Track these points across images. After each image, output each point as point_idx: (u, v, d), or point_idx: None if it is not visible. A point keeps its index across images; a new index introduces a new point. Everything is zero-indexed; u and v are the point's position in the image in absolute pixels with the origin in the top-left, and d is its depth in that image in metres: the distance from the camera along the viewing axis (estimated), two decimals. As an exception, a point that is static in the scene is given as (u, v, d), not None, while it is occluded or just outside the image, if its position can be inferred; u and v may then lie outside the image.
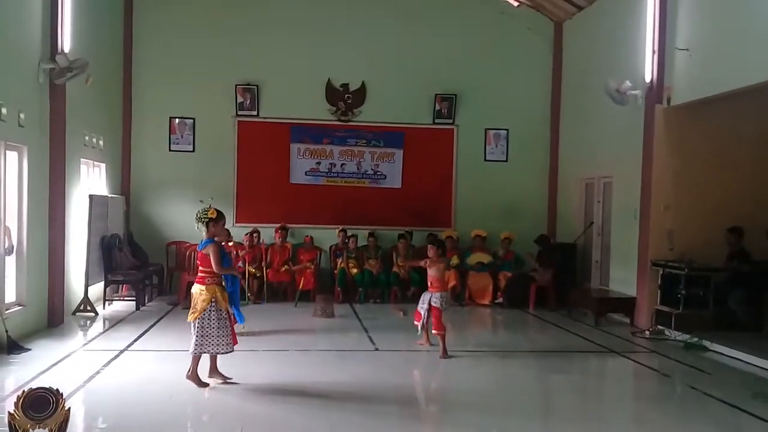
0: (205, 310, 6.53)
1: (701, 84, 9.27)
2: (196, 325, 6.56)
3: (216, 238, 6.68)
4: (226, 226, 12.15)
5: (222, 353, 6.67)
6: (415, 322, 8.49)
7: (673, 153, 10.04)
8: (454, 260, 11.87)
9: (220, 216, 6.74)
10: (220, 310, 6.59)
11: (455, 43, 13.53)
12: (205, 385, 6.63)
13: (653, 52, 10.02)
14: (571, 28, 13.44)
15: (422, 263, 8.61)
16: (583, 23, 12.94)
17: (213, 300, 6.54)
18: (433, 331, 8.19)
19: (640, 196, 10.34)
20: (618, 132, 11.23)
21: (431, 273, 8.29)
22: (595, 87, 11.29)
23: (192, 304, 6.63)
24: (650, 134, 10.12)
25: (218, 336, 6.58)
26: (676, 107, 9.88)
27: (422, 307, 8.32)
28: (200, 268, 6.68)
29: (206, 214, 6.64)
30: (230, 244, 12.13)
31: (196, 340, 6.57)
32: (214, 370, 6.76)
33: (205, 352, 6.63)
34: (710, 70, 9.09)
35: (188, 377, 6.64)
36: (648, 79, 10.10)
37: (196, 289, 6.63)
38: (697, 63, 9.35)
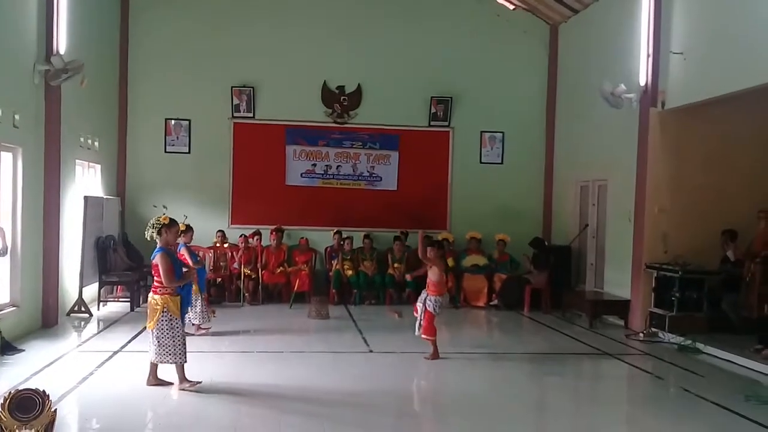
0: (159, 321, 6.52)
1: (696, 87, 9.30)
2: (154, 334, 6.56)
3: (169, 246, 6.72)
4: (221, 228, 12.37)
5: (180, 363, 6.60)
6: (414, 314, 8.39)
7: (668, 156, 10.08)
8: (450, 262, 11.89)
9: (173, 222, 6.75)
10: (173, 319, 6.55)
11: (451, 45, 13.56)
12: (170, 383, 6.65)
13: (648, 55, 10.06)
14: (566, 32, 13.48)
15: (422, 272, 8.54)
16: (578, 26, 12.98)
17: (165, 309, 6.51)
18: (423, 335, 8.11)
19: (634, 199, 10.38)
20: (613, 135, 11.27)
21: (429, 275, 8.19)
22: (590, 90, 11.33)
23: (149, 313, 6.62)
24: (645, 137, 10.16)
25: (173, 345, 6.55)
26: (671, 111, 9.92)
27: (419, 305, 8.23)
28: (155, 277, 6.64)
29: (159, 221, 6.66)
30: (225, 245, 12.19)
31: (156, 350, 6.58)
32: (183, 380, 6.66)
33: (164, 362, 6.62)
34: (704, 74, 9.13)
35: (149, 384, 6.64)
36: (643, 82, 10.14)
37: (150, 298, 6.63)
38: (692, 67, 9.38)
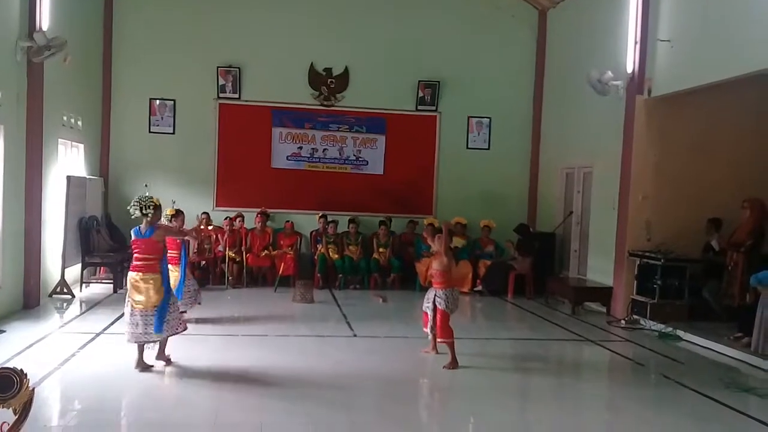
0: (165, 293, 6.63)
1: (682, 75, 9.33)
2: (158, 309, 6.57)
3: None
4: (206, 210, 12.28)
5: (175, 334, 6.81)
6: (424, 330, 7.56)
7: (653, 144, 10.12)
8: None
9: (159, 206, 6.81)
10: (170, 290, 6.86)
11: (440, 29, 13.49)
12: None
13: (635, 42, 10.06)
14: (555, 17, 13.45)
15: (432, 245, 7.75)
16: (567, 12, 12.96)
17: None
18: (439, 339, 7.32)
19: (619, 187, 10.42)
20: (599, 122, 11.29)
21: (434, 266, 7.46)
22: (577, 77, 11.32)
23: (153, 290, 6.56)
24: (630, 125, 10.19)
25: (176, 318, 6.81)
26: (657, 98, 9.95)
27: (427, 307, 7.40)
28: (148, 255, 6.60)
29: (151, 201, 6.65)
30: (209, 228, 12.12)
31: (165, 326, 6.61)
32: (162, 353, 6.81)
33: (170, 335, 6.73)
34: (691, 62, 9.15)
35: (163, 359, 6.73)
36: (630, 69, 10.14)
37: (150, 277, 6.57)
38: (679, 55, 9.40)
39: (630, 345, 8.80)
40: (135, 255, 6.66)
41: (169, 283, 6.86)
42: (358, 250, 12.54)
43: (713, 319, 9.36)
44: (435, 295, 7.30)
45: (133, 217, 6.74)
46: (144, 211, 6.60)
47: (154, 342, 6.68)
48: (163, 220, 8.04)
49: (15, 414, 3.95)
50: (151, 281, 6.56)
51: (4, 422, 3.91)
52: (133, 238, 6.71)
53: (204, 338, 8.05)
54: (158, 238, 6.64)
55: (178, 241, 8.35)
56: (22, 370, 3.99)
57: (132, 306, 6.58)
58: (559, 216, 12.81)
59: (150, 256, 6.61)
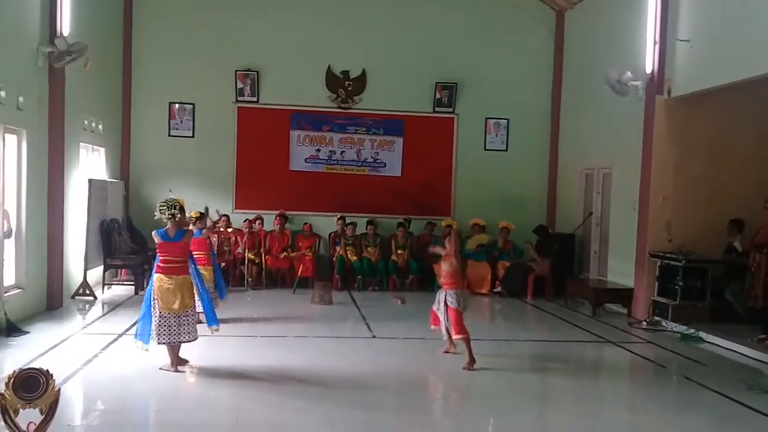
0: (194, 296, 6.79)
1: (702, 75, 9.24)
2: (194, 311, 6.75)
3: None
4: (225, 213, 12.39)
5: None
6: (432, 327, 7.75)
7: (673, 144, 10.03)
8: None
9: (184, 208, 6.90)
10: None
11: (457, 31, 13.48)
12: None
13: (654, 42, 9.99)
14: (573, 18, 13.39)
15: (440, 250, 7.73)
16: (585, 13, 12.89)
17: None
18: (454, 336, 7.33)
19: (639, 188, 10.35)
20: (618, 123, 11.22)
21: (444, 267, 7.47)
22: (596, 77, 11.26)
23: (183, 292, 6.60)
24: (650, 125, 10.11)
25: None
26: (677, 99, 9.87)
27: (438, 308, 7.51)
28: (178, 258, 6.65)
29: (177, 202, 6.70)
30: (229, 230, 12.20)
31: (194, 327, 6.71)
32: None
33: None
34: (711, 62, 9.07)
35: (174, 366, 6.71)
36: (649, 70, 10.07)
37: (182, 279, 6.64)
38: (698, 54, 9.32)
39: (651, 347, 8.72)
40: (163, 258, 6.61)
41: (202, 281, 7.07)
42: (377, 252, 12.55)
43: (736, 320, 9.24)
44: (446, 294, 7.35)
45: (155, 219, 6.77)
46: (171, 212, 6.60)
47: (187, 342, 6.69)
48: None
49: (41, 414, 4.02)
50: (184, 283, 6.62)
51: (31, 422, 3.97)
52: (159, 241, 6.63)
53: (224, 339, 8.09)
54: (188, 240, 6.71)
55: (206, 241, 8.54)
56: (48, 371, 4.06)
57: (162, 309, 6.53)
58: (579, 217, 12.74)
59: (180, 258, 6.66)
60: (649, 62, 10.07)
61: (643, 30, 10.27)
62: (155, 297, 6.55)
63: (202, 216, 8.82)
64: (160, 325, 6.54)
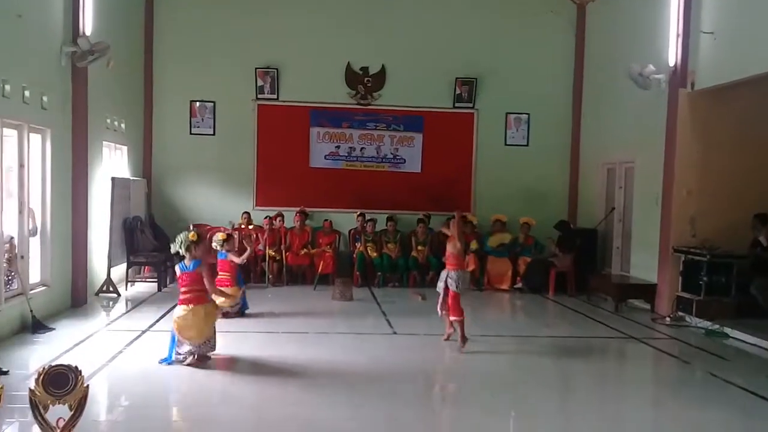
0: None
1: (726, 68, 9.11)
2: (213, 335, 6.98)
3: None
4: (246, 210, 12.47)
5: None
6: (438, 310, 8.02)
7: (697, 138, 9.90)
8: (473, 245, 11.86)
9: (201, 239, 6.97)
10: None
11: (476, 25, 13.41)
12: None
13: (677, 35, 9.86)
14: (594, 11, 13.26)
15: (447, 231, 8.19)
16: (606, 6, 12.75)
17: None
18: (451, 317, 7.76)
19: (662, 182, 10.23)
20: (641, 117, 11.10)
21: (448, 249, 7.88)
22: (617, 71, 11.15)
23: (196, 328, 6.73)
24: (673, 119, 9.99)
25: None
26: (700, 92, 9.73)
27: (440, 287, 7.87)
28: (194, 287, 6.78)
29: (188, 238, 6.83)
30: (250, 227, 12.27)
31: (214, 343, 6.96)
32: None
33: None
34: (735, 54, 8.93)
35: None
36: (672, 62, 9.95)
37: (206, 308, 6.82)
38: (722, 47, 9.18)
39: (675, 342, 8.63)
40: (181, 288, 6.83)
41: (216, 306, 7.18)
42: (397, 248, 12.54)
43: (761, 315, 9.09)
44: (447, 275, 7.73)
45: (173, 253, 7.03)
46: (186, 246, 6.78)
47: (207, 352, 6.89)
48: (215, 245, 8.72)
49: (71, 410, 4.07)
50: (202, 312, 6.74)
51: (60, 418, 4.03)
52: (178, 273, 6.93)
53: (245, 335, 8.16)
54: (201, 269, 6.80)
55: (229, 263, 8.90)
56: (77, 367, 4.11)
57: (180, 338, 6.72)
58: (601, 212, 12.63)
59: (195, 287, 6.79)
60: (672, 55, 9.94)
61: (665, 22, 10.14)
62: (175, 328, 6.73)
63: (230, 237, 9.17)
64: (180, 351, 6.78)
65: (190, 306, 6.72)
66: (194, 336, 6.68)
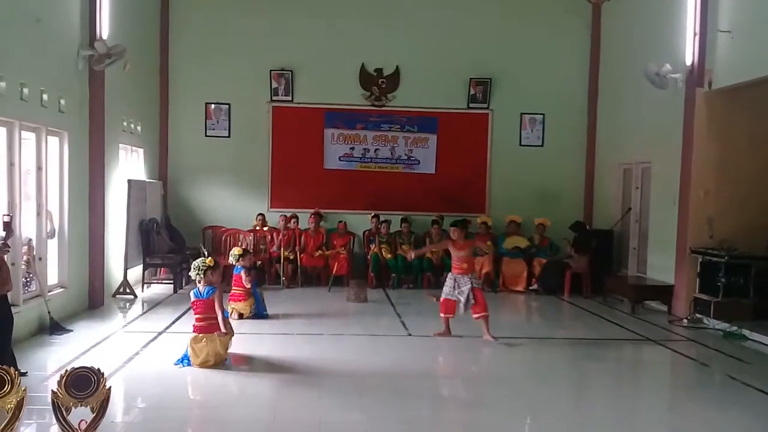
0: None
1: (744, 67, 9.01)
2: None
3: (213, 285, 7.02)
4: (261, 212, 12.53)
5: None
6: (442, 315, 8.29)
7: (714, 138, 9.80)
8: (488, 246, 11.79)
9: (216, 265, 7.07)
10: None
11: (490, 26, 13.37)
12: None
13: (694, 34, 9.78)
14: (609, 10, 13.17)
15: (447, 245, 8.58)
16: (622, 4, 12.66)
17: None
18: (483, 313, 8.07)
19: (679, 182, 10.14)
20: (657, 116, 11.01)
21: (465, 254, 8.25)
22: (633, 70, 11.07)
23: (213, 353, 6.76)
24: (690, 119, 9.90)
25: None
26: (718, 91, 9.64)
27: (461, 292, 8.09)
28: (208, 315, 6.84)
29: (204, 264, 6.91)
30: (265, 228, 12.31)
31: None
32: None
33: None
34: (753, 53, 8.83)
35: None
36: (689, 62, 9.86)
37: (214, 336, 6.79)
38: (740, 45, 9.09)
39: (693, 344, 8.55)
40: (196, 316, 6.88)
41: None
42: (411, 250, 12.51)
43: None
44: (469, 278, 8.11)
45: (192, 279, 7.21)
46: (202, 272, 6.89)
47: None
48: (231, 260, 9.12)
49: (93, 412, 4.11)
50: (218, 341, 6.77)
51: (82, 420, 4.06)
52: (192, 299, 6.98)
53: (260, 337, 8.18)
54: (215, 296, 6.85)
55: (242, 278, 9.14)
56: (99, 370, 4.14)
57: (195, 364, 6.74)
58: (617, 213, 12.54)
59: (210, 315, 6.84)
60: (689, 54, 9.86)
61: (682, 21, 10.05)
62: (190, 353, 6.76)
63: (246, 252, 9.35)
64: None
65: (204, 336, 6.75)
66: (210, 361, 6.72)
